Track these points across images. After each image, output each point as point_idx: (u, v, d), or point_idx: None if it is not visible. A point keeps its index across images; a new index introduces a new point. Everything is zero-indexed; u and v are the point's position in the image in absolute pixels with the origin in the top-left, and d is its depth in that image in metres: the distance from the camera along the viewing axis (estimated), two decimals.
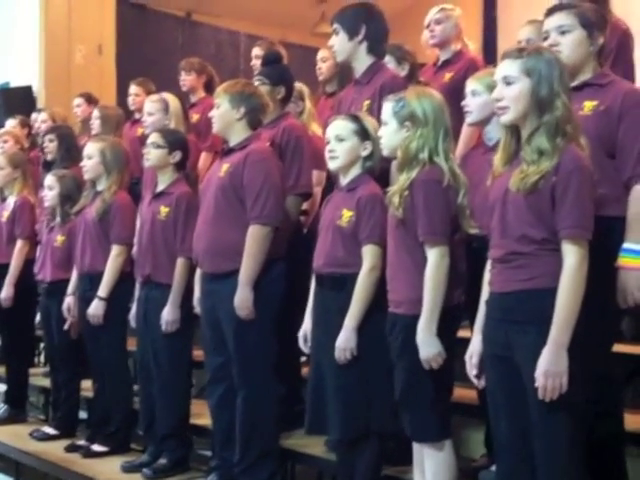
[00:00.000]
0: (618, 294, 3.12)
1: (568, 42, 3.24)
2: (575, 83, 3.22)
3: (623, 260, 3.12)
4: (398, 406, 3.35)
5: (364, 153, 3.66)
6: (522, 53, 2.86)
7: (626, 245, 3.13)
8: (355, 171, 3.69)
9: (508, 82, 2.86)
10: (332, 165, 3.72)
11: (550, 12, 3.34)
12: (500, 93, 2.88)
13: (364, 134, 3.65)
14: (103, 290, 4.93)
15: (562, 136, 2.76)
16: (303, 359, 4.64)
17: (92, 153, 5.09)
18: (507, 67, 2.87)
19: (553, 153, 2.74)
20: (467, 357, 3.05)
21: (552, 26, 3.29)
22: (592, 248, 2.75)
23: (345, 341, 3.53)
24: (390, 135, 3.38)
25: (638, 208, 3.13)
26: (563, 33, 3.25)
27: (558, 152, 2.74)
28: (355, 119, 3.69)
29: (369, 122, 3.68)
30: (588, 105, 3.20)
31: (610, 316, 3.18)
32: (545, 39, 3.31)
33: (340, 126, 3.69)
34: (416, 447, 3.36)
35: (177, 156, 4.69)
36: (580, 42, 3.24)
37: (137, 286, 4.80)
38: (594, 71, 3.28)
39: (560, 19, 3.28)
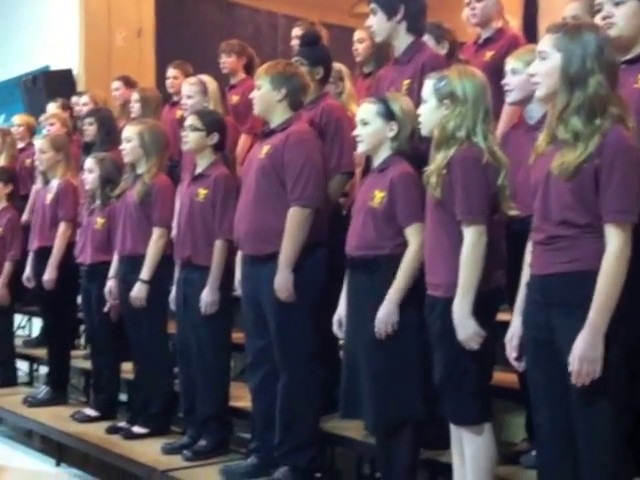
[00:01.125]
0: None
1: (622, 13, 3.18)
2: (630, 56, 3.18)
3: None
4: (437, 390, 3.32)
5: (390, 134, 3.65)
6: (560, 29, 2.82)
7: None
8: (384, 153, 3.69)
9: (542, 57, 2.85)
10: (360, 149, 3.75)
11: None
12: (535, 68, 2.88)
13: (389, 115, 3.64)
14: (145, 273, 4.94)
15: (602, 117, 2.69)
16: (341, 342, 4.61)
17: (131, 136, 5.10)
18: (543, 42, 2.86)
19: (590, 135, 2.68)
20: (507, 339, 3.01)
21: None
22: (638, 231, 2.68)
23: (387, 314, 3.51)
24: (429, 113, 3.34)
25: None
26: (617, 4, 3.20)
27: (599, 133, 2.67)
28: (379, 101, 3.68)
29: (398, 102, 3.67)
30: None
31: None
32: (598, 11, 3.25)
33: (364, 110, 3.71)
34: (454, 431, 3.34)
35: (215, 138, 4.67)
36: (634, 13, 3.19)
37: (177, 269, 4.80)
38: None
39: None
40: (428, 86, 3.36)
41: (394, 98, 3.70)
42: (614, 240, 2.65)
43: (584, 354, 2.61)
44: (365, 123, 3.67)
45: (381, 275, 3.54)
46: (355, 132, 3.71)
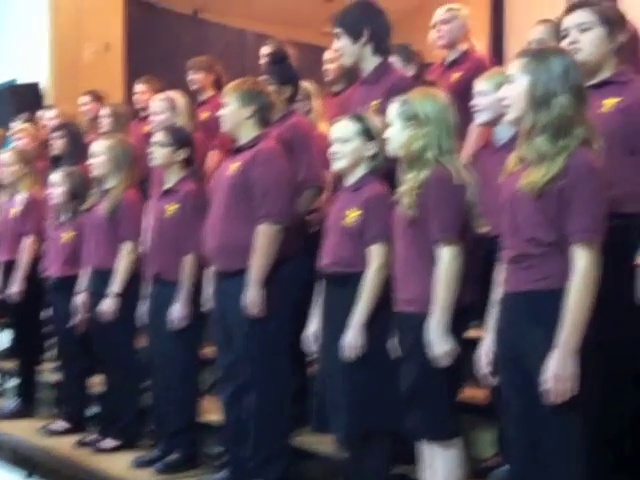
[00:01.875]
0: (636, 292, 3.06)
1: (588, 40, 3.23)
2: (594, 81, 3.23)
3: None
4: (405, 404, 3.35)
5: (368, 153, 3.68)
6: (528, 53, 2.89)
7: None
8: (360, 171, 3.70)
9: (511, 81, 2.90)
10: (336, 166, 3.75)
11: (570, 9, 3.32)
12: (504, 92, 2.94)
13: (368, 134, 3.67)
14: (115, 287, 4.95)
15: (567, 138, 2.75)
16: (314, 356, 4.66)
17: (100, 151, 5.11)
18: (512, 66, 2.91)
19: (555, 156, 2.74)
20: (482, 355, 3.03)
21: (572, 24, 3.27)
22: (609, 246, 2.73)
23: (352, 339, 3.54)
24: (396, 135, 3.39)
25: None
26: (583, 31, 3.24)
27: (564, 154, 2.73)
28: (358, 119, 3.70)
29: (373, 122, 3.70)
30: (608, 103, 3.19)
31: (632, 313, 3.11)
32: (564, 37, 3.29)
33: (343, 128, 3.71)
34: (423, 445, 3.36)
35: (183, 153, 4.72)
36: (600, 40, 3.23)
37: (146, 284, 4.83)
38: (614, 69, 3.26)
39: (580, 16, 3.26)
40: (392, 110, 3.41)
41: (371, 118, 3.72)
42: (581, 260, 2.69)
43: (557, 373, 2.65)
44: (344, 141, 3.67)
45: (354, 291, 3.56)
46: (332, 149, 3.71)
